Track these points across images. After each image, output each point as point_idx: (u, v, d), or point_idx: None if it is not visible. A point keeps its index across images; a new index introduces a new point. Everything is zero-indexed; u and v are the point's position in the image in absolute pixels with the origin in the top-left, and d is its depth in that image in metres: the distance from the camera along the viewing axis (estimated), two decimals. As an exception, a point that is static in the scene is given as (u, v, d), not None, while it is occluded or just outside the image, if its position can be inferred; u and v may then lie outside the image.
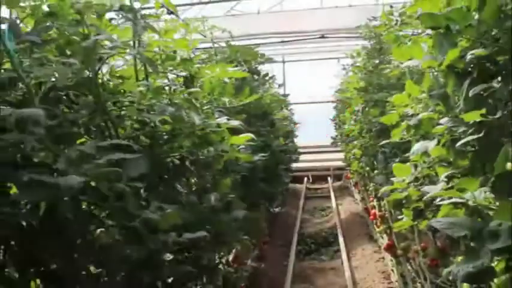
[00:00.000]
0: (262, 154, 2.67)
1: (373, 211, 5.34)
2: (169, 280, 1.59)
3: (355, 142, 5.06)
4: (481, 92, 1.45)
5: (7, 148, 1.13)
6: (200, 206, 1.71)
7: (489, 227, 1.17)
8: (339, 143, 8.93)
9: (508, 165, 1.26)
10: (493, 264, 1.20)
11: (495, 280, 1.18)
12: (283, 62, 12.92)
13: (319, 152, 12.41)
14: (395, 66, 2.77)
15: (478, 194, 1.28)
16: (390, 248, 4.35)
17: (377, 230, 5.30)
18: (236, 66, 3.31)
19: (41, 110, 1.01)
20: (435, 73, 1.87)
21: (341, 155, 9.38)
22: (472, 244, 1.23)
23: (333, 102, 9.91)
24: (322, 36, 9.23)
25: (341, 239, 6.20)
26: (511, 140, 1.32)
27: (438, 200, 1.48)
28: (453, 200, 1.31)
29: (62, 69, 1.18)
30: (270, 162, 3.69)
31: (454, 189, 1.31)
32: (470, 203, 1.30)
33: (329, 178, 11.50)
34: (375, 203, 5.29)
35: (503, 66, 1.43)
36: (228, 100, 2.42)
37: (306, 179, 11.56)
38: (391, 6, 2.56)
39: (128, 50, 1.66)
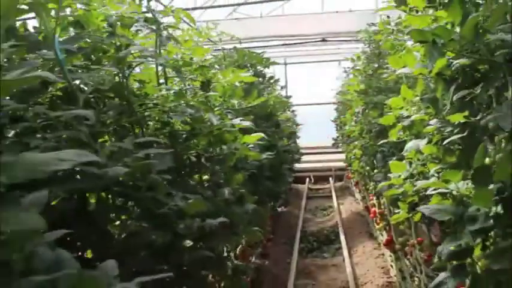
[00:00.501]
0: (269, 153, 2.86)
1: (373, 209, 5.53)
2: (187, 266, 1.78)
3: (356, 142, 5.25)
4: (465, 97, 1.65)
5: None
6: (215, 199, 1.91)
7: (468, 212, 1.36)
8: (340, 144, 9.11)
9: (486, 160, 1.46)
10: (474, 246, 1.40)
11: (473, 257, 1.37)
12: (285, 64, 13.13)
13: (320, 153, 12.60)
14: (393, 71, 2.96)
15: (461, 185, 1.47)
16: (389, 244, 4.54)
17: (377, 227, 5.49)
18: (243, 70, 3.50)
19: (89, 111, 1.21)
20: (427, 79, 2.07)
21: (342, 156, 9.58)
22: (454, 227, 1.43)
23: (334, 103, 10.13)
24: (323, 40, 9.43)
25: (342, 237, 6.39)
26: (489, 139, 1.52)
27: (429, 191, 1.67)
28: (439, 190, 1.51)
29: (103, 75, 1.38)
30: (275, 162, 3.88)
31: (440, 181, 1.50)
32: (454, 192, 1.49)
33: (330, 178, 11.68)
34: (374, 201, 5.49)
35: (484, 74, 1.62)
36: (237, 102, 2.62)
37: (308, 179, 11.74)
38: (388, 17, 2.74)
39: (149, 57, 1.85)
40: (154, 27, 1.68)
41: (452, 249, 1.35)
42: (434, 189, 1.59)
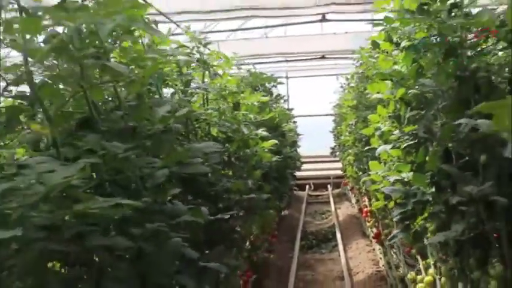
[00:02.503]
0: (278, 157, 3.64)
1: (365, 209, 6.29)
2: (224, 230, 2.53)
3: (350, 151, 6.03)
4: (416, 116, 2.42)
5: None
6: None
7: (411, 190, 2.14)
8: (338, 153, 9.87)
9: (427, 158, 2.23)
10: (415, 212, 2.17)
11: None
12: (287, 77, 13.95)
13: (319, 162, 13.35)
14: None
15: (409, 174, 2.25)
16: (378, 237, 5.30)
17: (368, 224, 6.25)
18: (260, 93, 4.29)
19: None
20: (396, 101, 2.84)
21: (340, 165, 10.34)
22: (404, 201, 2.20)
23: (332, 115, 10.94)
24: (323, 57, 10.27)
25: (338, 236, 7.14)
26: (429, 144, 2.29)
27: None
28: (395, 177, 2.28)
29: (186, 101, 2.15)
30: (281, 165, 4.66)
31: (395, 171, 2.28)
32: (405, 179, 2.27)
33: (329, 186, 12.42)
34: (366, 202, 6.25)
35: (429, 100, 2.40)
36: (253, 116, 3.40)
37: (307, 186, 12.49)
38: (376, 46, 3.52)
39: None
40: (204, 66, 2.46)
41: (401, 213, 2.12)
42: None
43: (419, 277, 2.92)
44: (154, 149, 1.31)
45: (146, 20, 1.30)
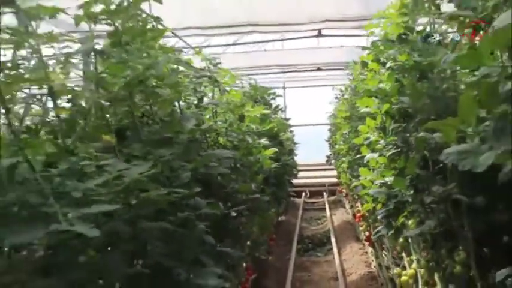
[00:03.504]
0: (277, 164, 4.00)
1: (358, 214, 6.65)
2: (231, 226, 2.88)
3: (343, 158, 6.40)
4: (399, 128, 2.79)
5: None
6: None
7: (393, 192, 2.50)
8: (333, 161, 10.23)
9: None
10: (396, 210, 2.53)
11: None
12: (284, 88, 14.36)
13: (315, 170, 13.72)
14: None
15: (391, 178, 2.61)
16: (369, 239, 5.65)
17: (361, 229, 6.60)
18: (256, 101, 4.65)
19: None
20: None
21: (335, 172, 10.71)
22: (388, 202, 2.56)
23: (327, 124, 11.33)
24: (318, 69, 10.68)
25: (333, 240, 7.48)
26: (410, 152, 2.65)
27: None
28: (381, 181, 2.64)
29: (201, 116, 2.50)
30: (279, 172, 5.01)
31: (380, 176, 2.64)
32: (388, 183, 2.63)
33: (324, 193, 12.77)
34: (360, 207, 6.61)
35: (410, 114, 2.76)
36: (255, 127, 3.76)
37: (304, 193, 12.83)
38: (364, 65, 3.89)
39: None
40: (216, 84, 2.81)
41: (384, 212, 2.47)
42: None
43: (403, 272, 3.27)
44: (184, 155, 1.65)
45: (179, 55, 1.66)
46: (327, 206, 10.96)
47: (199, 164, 1.69)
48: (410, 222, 2.57)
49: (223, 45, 7.84)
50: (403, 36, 2.41)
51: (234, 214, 2.81)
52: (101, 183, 1.08)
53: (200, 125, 1.80)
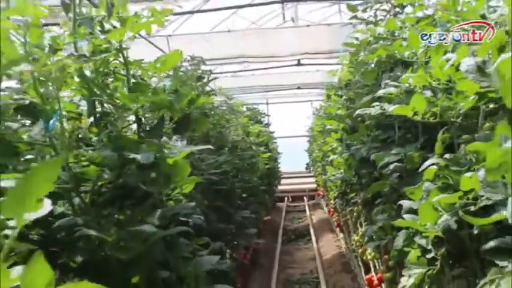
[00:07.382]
0: (268, 166, 5.53)
1: (331, 210, 8.21)
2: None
3: (319, 163, 7.97)
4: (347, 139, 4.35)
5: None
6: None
7: (344, 177, 4.05)
8: (311, 168, 11.80)
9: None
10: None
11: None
12: (267, 103, 15.96)
13: (297, 177, 15.30)
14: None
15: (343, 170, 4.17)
16: (339, 226, 7.20)
17: (333, 220, 8.16)
18: (251, 119, 6.19)
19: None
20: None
21: (314, 180, 12.27)
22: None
23: (306, 136, 12.94)
24: (299, 88, 12.33)
25: (312, 232, 9.03)
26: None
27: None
28: (338, 173, 4.20)
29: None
30: (269, 173, 6.55)
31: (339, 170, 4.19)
32: (342, 173, 4.19)
33: (305, 197, 14.35)
34: (332, 203, 8.17)
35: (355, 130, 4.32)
36: (253, 139, 5.30)
37: (286, 198, 14.38)
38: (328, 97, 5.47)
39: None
40: (232, 111, 4.34)
41: (338, 190, 4.02)
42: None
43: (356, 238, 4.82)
44: (229, 154, 3.17)
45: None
46: (307, 208, 12.50)
47: (233, 160, 3.22)
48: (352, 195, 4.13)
49: (226, 72, 9.44)
50: (348, 83, 3.98)
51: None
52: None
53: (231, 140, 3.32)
